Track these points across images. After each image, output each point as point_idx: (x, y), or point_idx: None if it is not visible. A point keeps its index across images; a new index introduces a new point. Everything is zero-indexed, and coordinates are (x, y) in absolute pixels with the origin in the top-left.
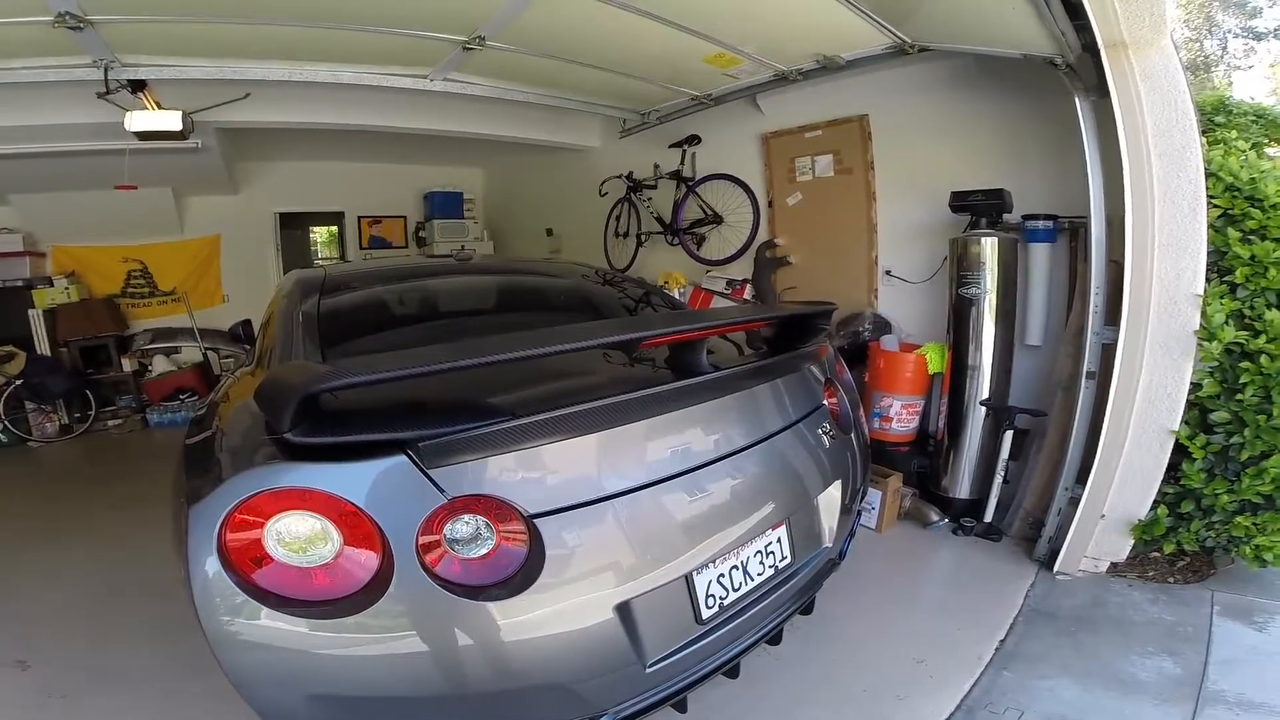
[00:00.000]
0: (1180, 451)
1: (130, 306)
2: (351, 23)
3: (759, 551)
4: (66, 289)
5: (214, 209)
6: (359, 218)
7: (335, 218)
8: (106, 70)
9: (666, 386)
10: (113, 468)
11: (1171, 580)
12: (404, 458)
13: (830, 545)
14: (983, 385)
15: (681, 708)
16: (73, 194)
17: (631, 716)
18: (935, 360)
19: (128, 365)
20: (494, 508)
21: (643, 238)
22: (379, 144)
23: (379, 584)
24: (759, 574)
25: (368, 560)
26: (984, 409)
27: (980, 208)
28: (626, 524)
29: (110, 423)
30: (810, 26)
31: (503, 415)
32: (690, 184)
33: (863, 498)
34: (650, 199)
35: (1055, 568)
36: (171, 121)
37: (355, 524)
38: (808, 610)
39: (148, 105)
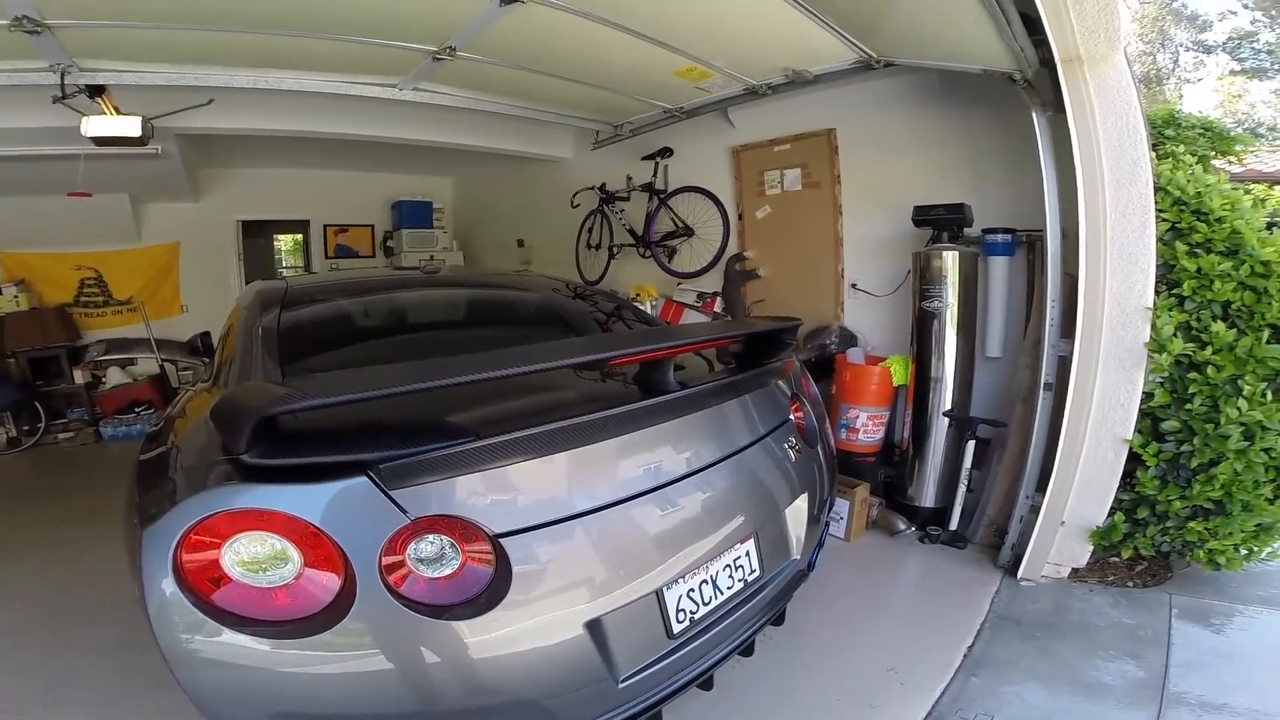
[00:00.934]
0: (1135, 459)
1: (84, 316)
2: (320, 31)
3: (728, 565)
4: (15, 297)
5: (173, 216)
6: (325, 226)
7: (301, 226)
8: (63, 75)
9: (633, 405)
10: (63, 481)
11: (1131, 585)
12: (365, 479)
13: (799, 557)
14: (945, 396)
15: None
16: (23, 199)
17: None
18: (899, 372)
19: (80, 377)
20: (459, 528)
21: (615, 250)
22: (346, 151)
23: (342, 604)
24: (729, 587)
25: (329, 581)
26: (947, 420)
27: (942, 222)
28: (595, 542)
29: (61, 436)
30: (779, 41)
31: (466, 436)
32: (662, 196)
33: (830, 508)
34: (623, 211)
35: (1019, 574)
36: (130, 127)
37: (316, 545)
38: (779, 621)
39: (106, 110)
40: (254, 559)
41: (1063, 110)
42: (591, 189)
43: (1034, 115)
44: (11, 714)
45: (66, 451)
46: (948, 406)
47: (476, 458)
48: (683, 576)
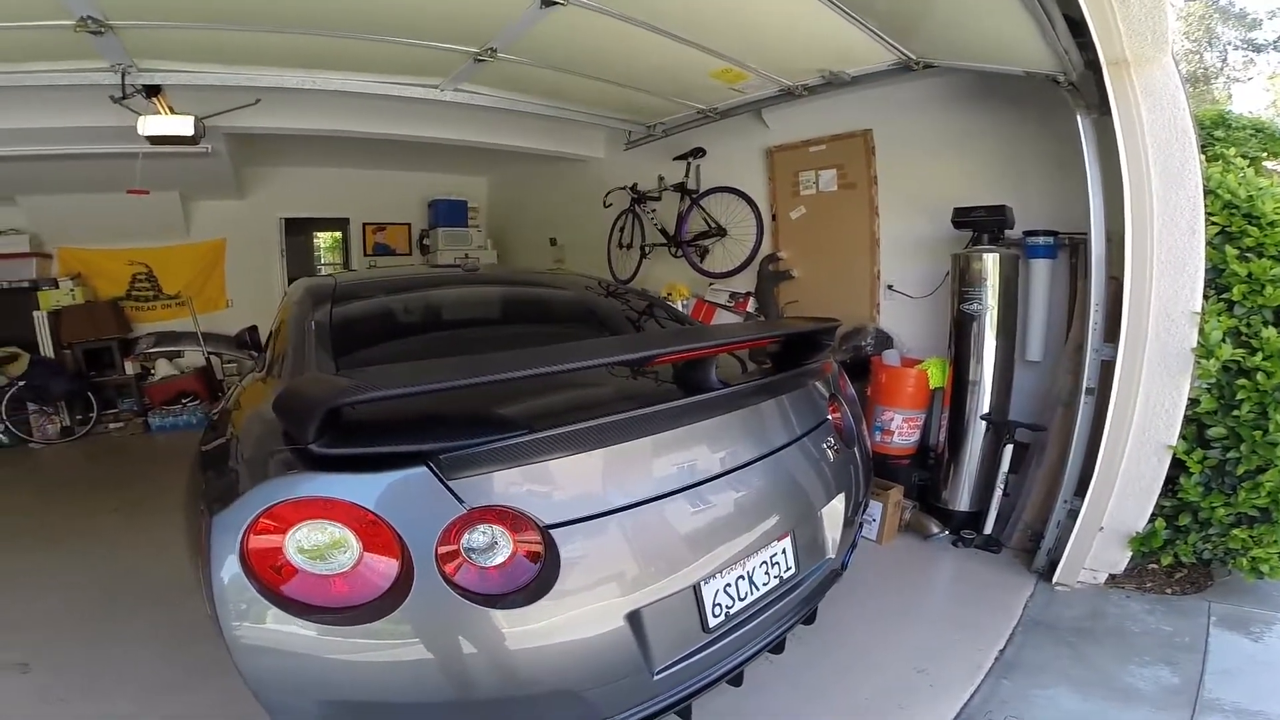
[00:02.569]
0: (1177, 466)
1: (134, 309)
2: (367, 32)
3: (764, 562)
4: (72, 291)
5: (220, 213)
6: (364, 224)
7: (340, 224)
8: (124, 75)
9: (676, 403)
10: (113, 471)
11: (1169, 592)
12: (425, 469)
13: (833, 556)
14: (983, 400)
15: (686, 715)
16: (80, 196)
17: None
18: (936, 375)
19: (130, 368)
20: (510, 518)
21: (646, 249)
22: (385, 151)
23: (399, 591)
24: (764, 584)
25: (388, 568)
26: (984, 423)
27: (982, 224)
28: (637, 535)
29: (111, 425)
30: (817, 43)
31: (519, 429)
32: (694, 196)
33: (864, 510)
34: (655, 211)
35: (1054, 579)
36: (184, 126)
37: (375, 533)
38: (810, 620)
39: (161, 110)
40: (315, 546)
41: (1108, 112)
42: (623, 189)
43: (1078, 117)
44: (54, 702)
45: (116, 441)
46: (986, 410)
47: (529, 451)
48: (720, 571)
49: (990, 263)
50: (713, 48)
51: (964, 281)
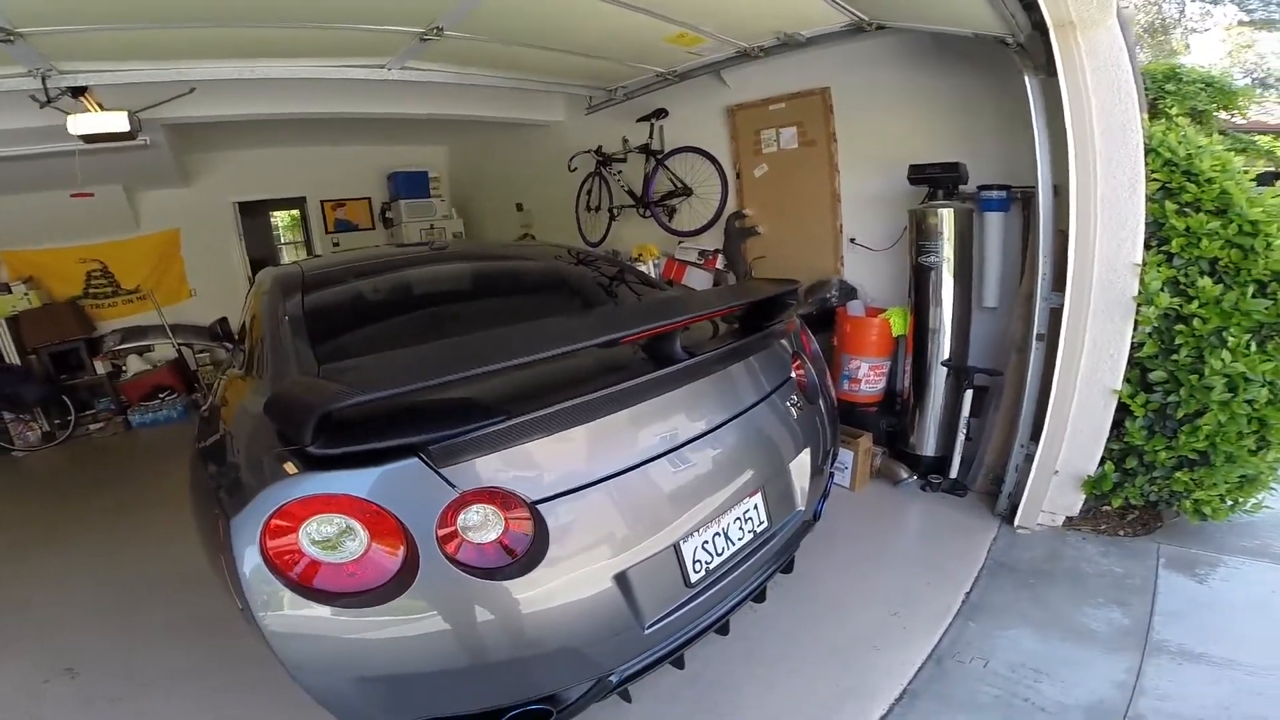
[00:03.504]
0: (1124, 410)
1: (94, 308)
2: (301, 21)
3: (738, 518)
4: (26, 295)
5: (169, 203)
6: (321, 202)
7: (297, 203)
8: (44, 79)
9: (646, 376)
10: (100, 471)
11: (1122, 534)
12: (417, 459)
13: (803, 508)
14: (943, 347)
15: (679, 664)
16: (20, 197)
17: (635, 674)
18: (899, 323)
19: (101, 367)
20: (500, 497)
21: (615, 211)
22: (336, 127)
23: (408, 572)
24: (739, 539)
25: (395, 552)
26: (945, 369)
27: (937, 180)
28: (618, 502)
29: (92, 427)
30: (771, 5)
31: (499, 415)
32: (659, 157)
33: (833, 460)
34: (621, 173)
35: (1015, 522)
36: (118, 123)
37: (379, 521)
38: (788, 569)
39: (90, 108)
40: (326, 538)
41: (1054, 73)
42: (588, 152)
43: (1026, 78)
44: (103, 701)
45: (100, 442)
46: (946, 356)
47: (511, 435)
48: (697, 530)
49: (945, 217)
50: (664, 13)
51: (921, 235)
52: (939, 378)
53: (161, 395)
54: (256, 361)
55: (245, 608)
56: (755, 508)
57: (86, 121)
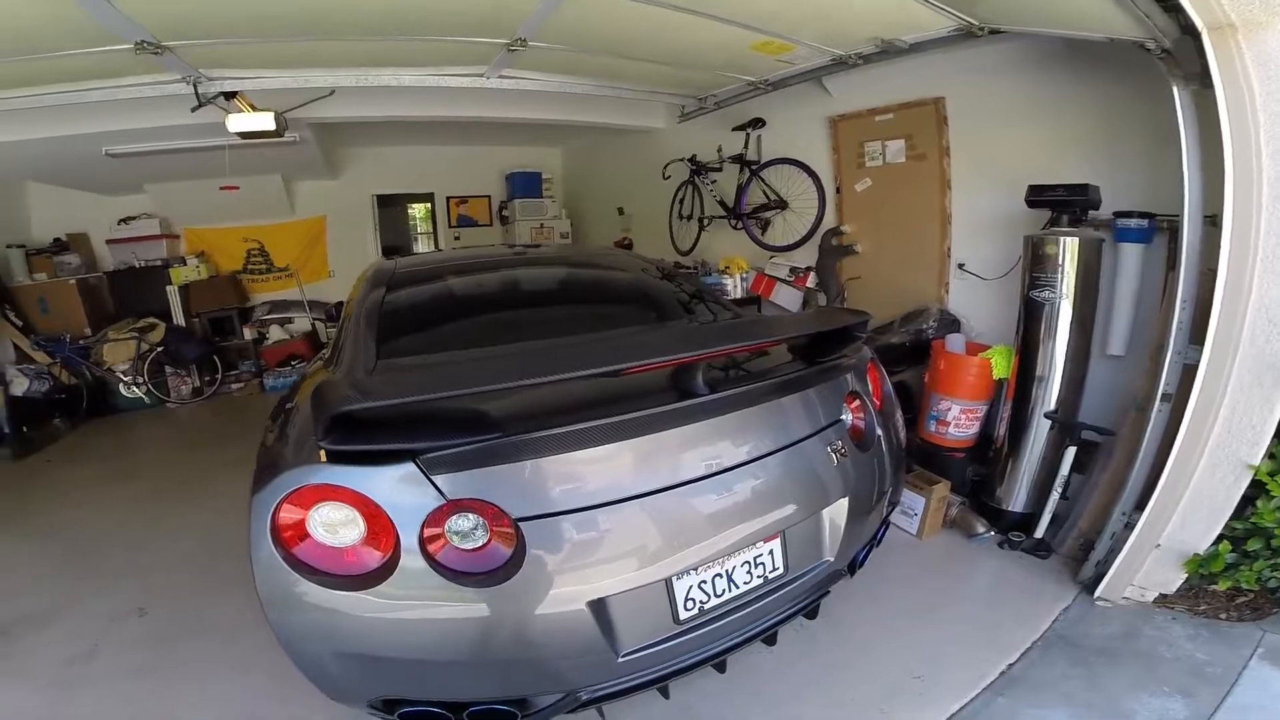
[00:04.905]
0: (1256, 486)
1: (250, 282)
2: (404, 34)
3: (747, 563)
4: (197, 267)
5: (319, 192)
6: (447, 198)
7: (427, 198)
8: (195, 85)
9: (652, 410)
10: (232, 428)
11: (1224, 617)
12: (412, 465)
13: (832, 559)
14: (1050, 396)
15: (664, 694)
16: (199, 182)
17: (607, 696)
18: (1001, 365)
19: (248, 334)
20: (487, 509)
21: (705, 221)
22: (463, 129)
23: (390, 565)
24: (746, 583)
25: (383, 545)
26: (1049, 422)
27: (1062, 203)
28: (605, 532)
29: (234, 386)
30: (865, 10)
31: (495, 432)
32: (754, 168)
33: (892, 508)
34: (715, 182)
35: (1097, 593)
36: (266, 122)
37: (374, 515)
38: (812, 615)
39: (243, 108)
40: (329, 524)
41: (1210, 84)
42: (682, 160)
43: (1174, 89)
44: (166, 641)
45: (238, 400)
46: (1052, 407)
47: (504, 451)
48: (695, 569)
49: (1068, 246)
50: (747, 22)
51: (1036, 265)
52: (1040, 430)
53: (293, 362)
54: (335, 348)
55: (253, 577)
56: (771, 553)
57: (241, 121)
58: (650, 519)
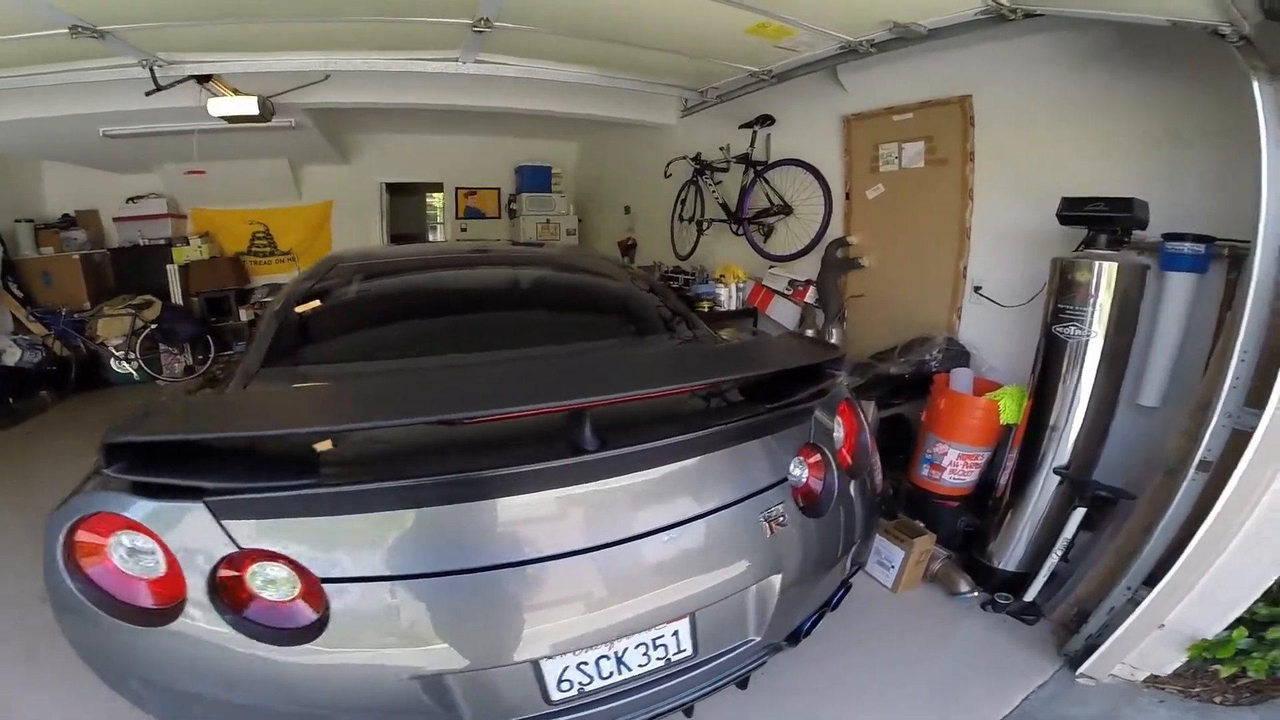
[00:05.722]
0: None
1: (253, 264)
2: (363, 15)
3: (644, 645)
4: (200, 248)
5: (328, 177)
6: (456, 189)
7: (437, 188)
8: (153, 69)
9: (518, 469)
10: None
11: (1218, 700)
12: (202, 505)
13: (759, 638)
14: (1064, 448)
15: None
16: (210, 164)
17: None
18: (1010, 409)
19: (245, 315)
20: (287, 563)
21: (705, 225)
22: (475, 117)
23: (176, 607)
24: (641, 665)
25: (167, 587)
26: (1058, 478)
27: (1100, 220)
28: (444, 606)
29: (226, 365)
30: None
31: (305, 480)
32: (759, 169)
33: (855, 570)
34: (721, 183)
35: (1081, 669)
36: (248, 106)
37: (163, 552)
38: (743, 684)
39: (224, 92)
40: (121, 553)
41: None
42: (684, 159)
43: (1254, 84)
44: None
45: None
46: (1064, 461)
47: (311, 503)
48: (572, 650)
49: (1103, 273)
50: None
51: (1063, 294)
52: (1047, 485)
53: None
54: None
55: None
56: (675, 635)
57: (221, 104)
58: (506, 594)
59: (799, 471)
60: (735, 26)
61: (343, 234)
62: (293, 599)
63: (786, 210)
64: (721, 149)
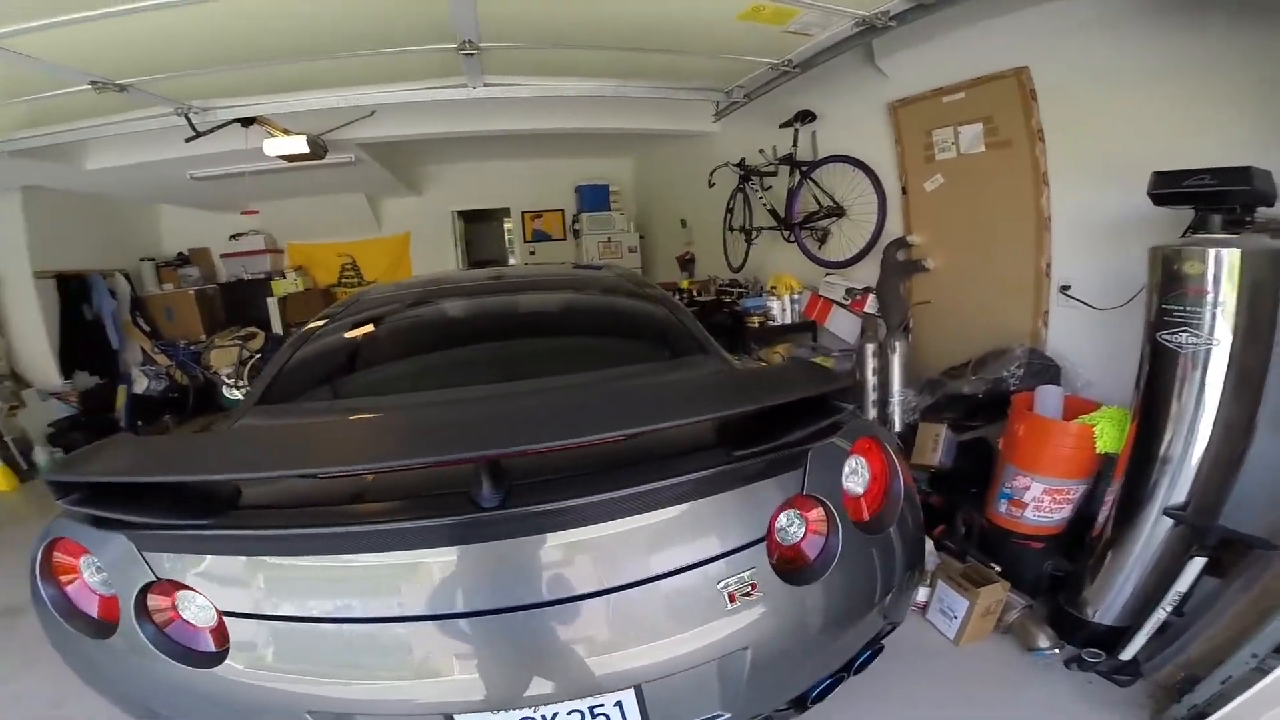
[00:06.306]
0: None
1: (342, 294)
2: (348, 50)
3: (578, 712)
4: (295, 281)
5: (404, 209)
6: (522, 213)
7: (504, 214)
8: (188, 116)
9: (416, 524)
10: None
11: None
12: (124, 537)
13: (729, 713)
14: (1180, 483)
15: None
16: (299, 200)
17: None
18: (1109, 437)
19: None
20: (196, 594)
21: (753, 233)
22: (532, 140)
23: (110, 625)
24: None
25: (104, 605)
26: (1172, 520)
27: (1209, 196)
28: (335, 647)
29: None
30: None
31: (204, 519)
32: (804, 169)
33: (890, 630)
34: (770, 188)
35: None
36: (298, 145)
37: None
38: None
39: (274, 133)
40: (81, 572)
41: None
42: (727, 165)
43: None
44: None
45: None
46: (1180, 500)
47: (213, 543)
48: (487, 709)
49: (1221, 262)
50: None
51: (1169, 292)
52: (1157, 526)
53: None
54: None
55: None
56: (618, 705)
57: (276, 145)
58: (401, 645)
59: (793, 527)
60: (724, 11)
61: (421, 263)
62: (205, 627)
63: (838, 212)
64: (761, 151)
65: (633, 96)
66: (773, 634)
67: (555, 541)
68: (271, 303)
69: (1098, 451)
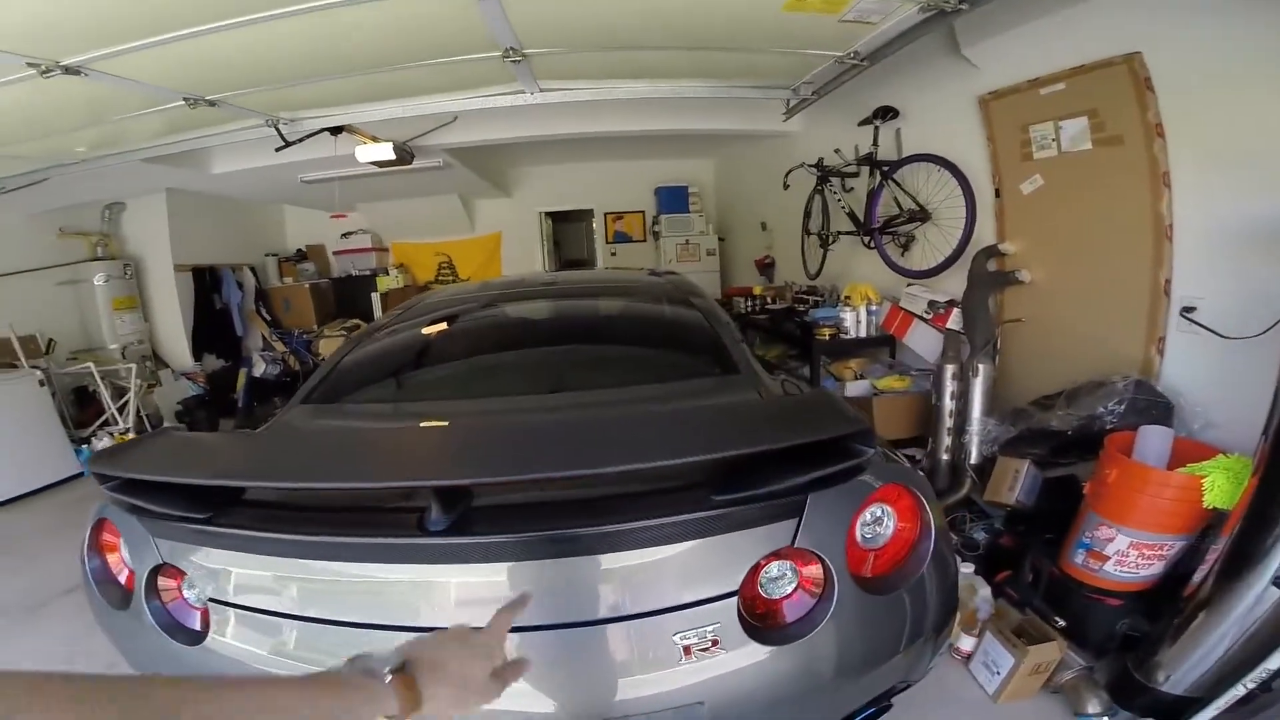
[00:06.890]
0: None
1: (435, 290)
2: (396, 64)
3: None
4: (396, 278)
5: (495, 210)
6: (605, 214)
7: (588, 214)
8: (277, 126)
9: (385, 539)
10: None
11: None
12: (141, 524)
13: None
14: None
15: None
16: (397, 202)
17: None
18: (1221, 490)
19: None
20: (185, 577)
21: (830, 238)
22: (615, 142)
23: (129, 597)
24: None
25: (129, 580)
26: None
27: None
28: (297, 641)
29: None
30: None
31: (198, 514)
32: (885, 169)
33: (903, 688)
34: (851, 190)
35: None
36: (386, 152)
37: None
38: None
39: (364, 140)
40: (114, 549)
41: None
42: (803, 166)
43: None
44: None
45: None
46: None
47: (204, 537)
48: None
49: None
50: None
51: None
52: (1264, 597)
53: None
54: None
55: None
56: None
57: (366, 151)
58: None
59: (782, 580)
60: (770, 5)
61: (511, 262)
62: (196, 608)
63: (922, 216)
64: (837, 150)
65: (689, 97)
66: (737, 691)
67: (491, 576)
68: (375, 297)
69: (1205, 505)
